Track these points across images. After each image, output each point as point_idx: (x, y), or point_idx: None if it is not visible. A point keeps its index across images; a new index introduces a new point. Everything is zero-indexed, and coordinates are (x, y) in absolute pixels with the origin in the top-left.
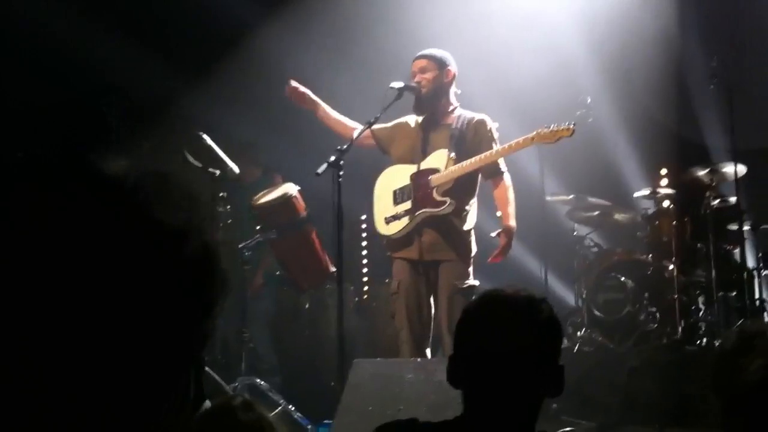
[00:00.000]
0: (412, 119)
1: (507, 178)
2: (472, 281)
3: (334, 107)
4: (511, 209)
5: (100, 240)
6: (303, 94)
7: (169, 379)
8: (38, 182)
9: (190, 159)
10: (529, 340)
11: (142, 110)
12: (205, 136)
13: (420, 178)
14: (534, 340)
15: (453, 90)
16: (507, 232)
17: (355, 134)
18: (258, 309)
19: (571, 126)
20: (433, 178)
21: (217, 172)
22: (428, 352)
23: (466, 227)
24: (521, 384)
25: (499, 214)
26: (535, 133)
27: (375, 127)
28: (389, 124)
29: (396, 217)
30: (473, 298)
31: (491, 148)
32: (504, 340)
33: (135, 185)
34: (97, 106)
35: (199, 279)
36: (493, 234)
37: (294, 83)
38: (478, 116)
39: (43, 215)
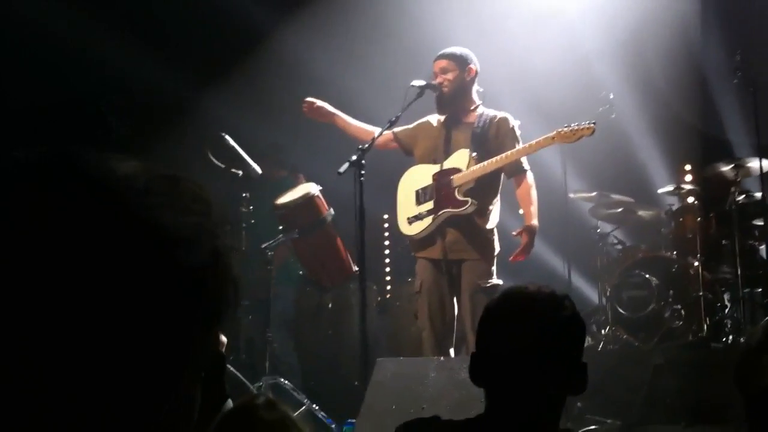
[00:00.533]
0: (434, 118)
1: (530, 176)
2: (496, 280)
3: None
4: (534, 208)
5: (102, 243)
6: (319, 108)
7: (171, 383)
8: (38, 182)
9: (212, 159)
10: (551, 338)
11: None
12: (227, 137)
13: (442, 177)
14: (557, 338)
15: (475, 88)
16: (529, 230)
17: (377, 133)
18: (274, 309)
19: (592, 125)
20: (455, 178)
21: (240, 172)
22: (452, 351)
23: (488, 226)
24: (544, 382)
25: (521, 212)
26: (555, 132)
27: (397, 129)
28: (411, 126)
29: (418, 217)
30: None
31: (514, 146)
32: (526, 337)
33: (145, 187)
34: (97, 106)
35: (209, 286)
36: (515, 233)
37: (309, 99)
38: (500, 114)
39: (43, 216)
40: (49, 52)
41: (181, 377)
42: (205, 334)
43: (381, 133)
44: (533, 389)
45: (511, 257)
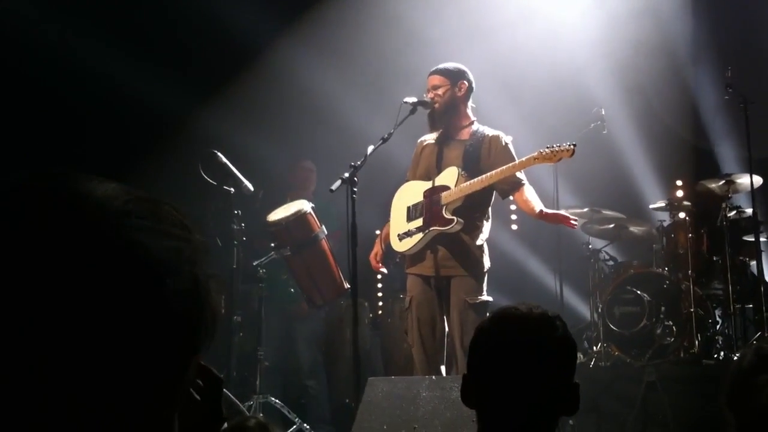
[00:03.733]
0: (431, 136)
1: (528, 186)
2: (485, 297)
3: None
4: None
5: (78, 265)
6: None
7: (147, 407)
8: (15, 205)
9: (205, 176)
10: (543, 359)
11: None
12: (218, 154)
13: (432, 195)
14: (548, 359)
15: (469, 104)
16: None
17: (369, 150)
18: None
19: (572, 146)
20: (443, 196)
21: (232, 189)
22: (443, 368)
23: (478, 243)
24: (536, 403)
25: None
26: (537, 152)
27: (408, 177)
28: (414, 158)
29: (408, 234)
30: (486, 313)
31: (504, 163)
32: (518, 358)
33: (123, 209)
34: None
35: (187, 313)
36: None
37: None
38: (493, 132)
39: (17, 239)
40: (41, 67)
41: (158, 402)
42: (184, 361)
43: (374, 150)
44: (525, 410)
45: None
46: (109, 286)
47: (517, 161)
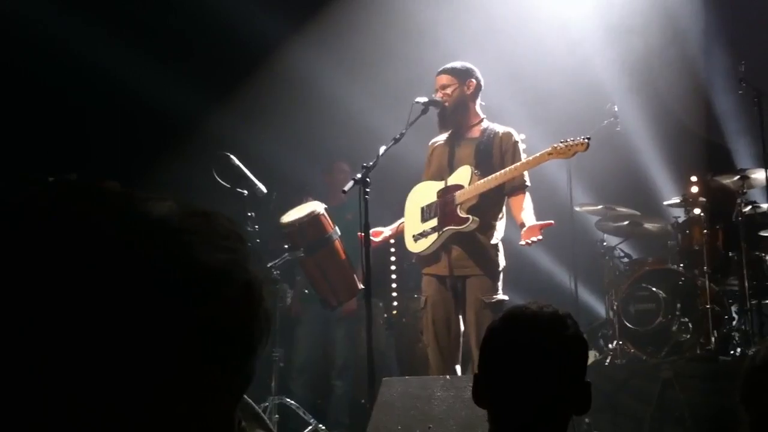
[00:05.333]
0: (442, 137)
1: (528, 195)
2: (501, 296)
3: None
4: (528, 213)
5: (137, 283)
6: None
7: (206, 415)
8: (71, 225)
9: (218, 179)
10: (554, 358)
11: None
12: (232, 156)
13: (445, 194)
14: (559, 357)
15: (478, 102)
16: (534, 227)
17: (382, 150)
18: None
19: (586, 140)
20: (457, 195)
21: (245, 192)
22: (458, 368)
23: (493, 242)
24: (547, 402)
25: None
26: (551, 147)
27: (424, 178)
28: (426, 160)
29: (423, 235)
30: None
31: (515, 161)
32: (529, 357)
33: (179, 227)
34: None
35: (242, 319)
36: (523, 242)
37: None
38: (504, 129)
39: (76, 261)
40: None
41: (218, 409)
42: (241, 366)
43: (386, 150)
44: (536, 409)
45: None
46: (169, 301)
47: (531, 157)
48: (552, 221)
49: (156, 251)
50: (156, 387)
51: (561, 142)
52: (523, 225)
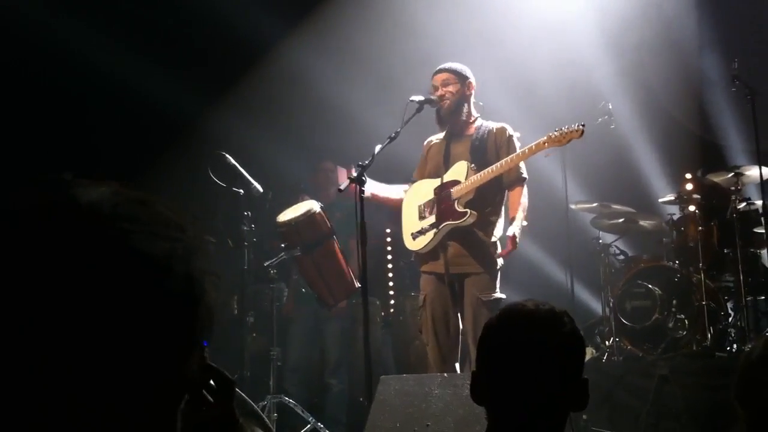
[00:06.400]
0: (436, 137)
1: (524, 188)
2: (498, 294)
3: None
4: (519, 215)
5: (70, 270)
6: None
7: (147, 407)
8: (7, 209)
9: (214, 178)
10: (551, 355)
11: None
12: (227, 155)
13: (442, 191)
14: (556, 355)
15: (473, 102)
16: (511, 241)
17: (377, 149)
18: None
19: (581, 127)
20: (454, 190)
21: (241, 191)
22: (456, 366)
23: (491, 239)
24: (545, 399)
25: (525, 224)
26: (546, 136)
27: (414, 176)
28: (421, 160)
29: (422, 232)
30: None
31: (509, 154)
32: (525, 354)
33: (112, 213)
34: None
35: (182, 312)
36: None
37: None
38: (498, 125)
39: (6, 249)
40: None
41: (158, 399)
42: (182, 358)
43: (381, 149)
44: (533, 406)
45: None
46: (102, 288)
47: (527, 147)
48: (508, 248)
49: (86, 239)
50: (76, 377)
51: (556, 131)
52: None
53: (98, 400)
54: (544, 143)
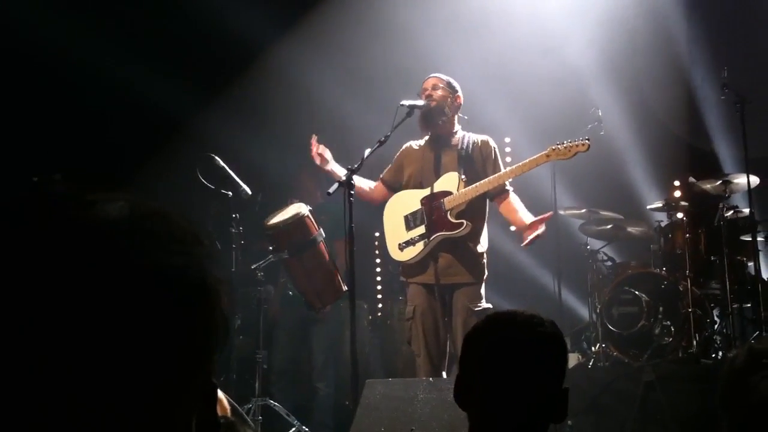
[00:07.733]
0: (415, 143)
1: (513, 194)
2: (486, 304)
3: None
4: (524, 212)
5: (87, 291)
6: (323, 155)
7: (164, 417)
8: (20, 235)
9: (202, 180)
10: (532, 362)
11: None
12: (216, 157)
13: (432, 201)
14: (538, 362)
15: (458, 116)
16: (538, 221)
17: (367, 153)
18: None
19: (587, 141)
20: (447, 201)
21: (230, 193)
22: (444, 374)
23: (480, 249)
24: (525, 406)
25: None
26: (549, 149)
27: (383, 174)
28: (393, 162)
29: (410, 243)
30: None
31: (497, 167)
32: (506, 361)
33: (130, 229)
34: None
35: (198, 322)
36: (525, 243)
37: (317, 153)
38: (481, 137)
39: (26, 269)
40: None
41: (176, 411)
42: (198, 368)
43: (371, 153)
44: (514, 413)
45: (525, 243)
46: (122, 307)
47: (527, 160)
48: (551, 212)
49: (105, 258)
50: (79, 380)
51: (559, 144)
52: (521, 226)
53: (100, 402)
54: (547, 156)
